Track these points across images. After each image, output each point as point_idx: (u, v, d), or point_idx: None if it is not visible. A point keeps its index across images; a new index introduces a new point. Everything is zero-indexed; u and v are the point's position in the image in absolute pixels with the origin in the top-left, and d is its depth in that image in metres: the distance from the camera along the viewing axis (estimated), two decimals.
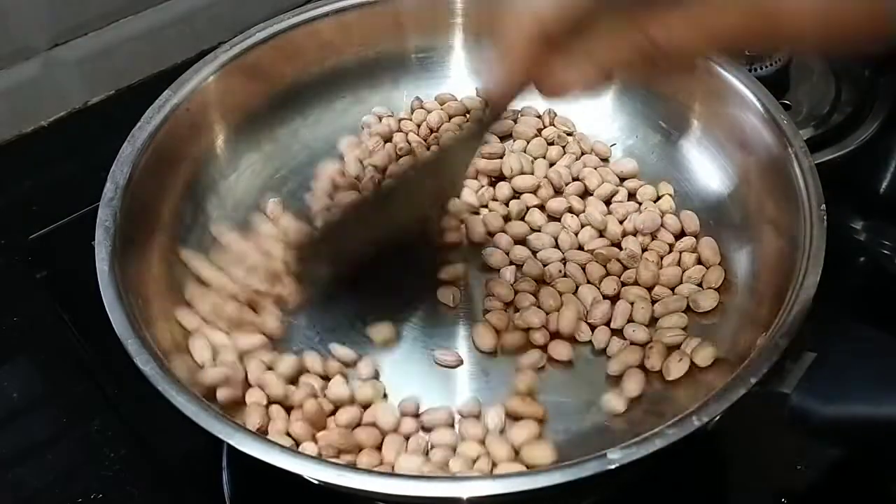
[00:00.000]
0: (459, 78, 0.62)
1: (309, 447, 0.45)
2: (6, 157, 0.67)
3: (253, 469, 0.49)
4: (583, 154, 0.58)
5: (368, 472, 0.42)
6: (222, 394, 0.46)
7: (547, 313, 0.50)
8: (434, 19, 0.61)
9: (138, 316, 0.45)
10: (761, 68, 0.61)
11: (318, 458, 0.43)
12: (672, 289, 0.52)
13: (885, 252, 0.58)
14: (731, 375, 0.42)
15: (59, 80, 0.68)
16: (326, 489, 0.40)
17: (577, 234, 0.54)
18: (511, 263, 0.53)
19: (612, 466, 0.38)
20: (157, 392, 0.42)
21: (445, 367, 0.50)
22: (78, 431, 0.52)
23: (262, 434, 0.44)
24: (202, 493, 0.50)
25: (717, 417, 0.40)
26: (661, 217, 0.54)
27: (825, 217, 0.47)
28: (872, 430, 0.42)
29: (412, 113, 0.60)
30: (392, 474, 0.43)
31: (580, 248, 0.54)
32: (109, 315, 0.44)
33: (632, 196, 0.56)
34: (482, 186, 0.57)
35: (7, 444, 0.52)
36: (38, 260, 0.60)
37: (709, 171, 0.56)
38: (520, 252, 0.54)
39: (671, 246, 0.54)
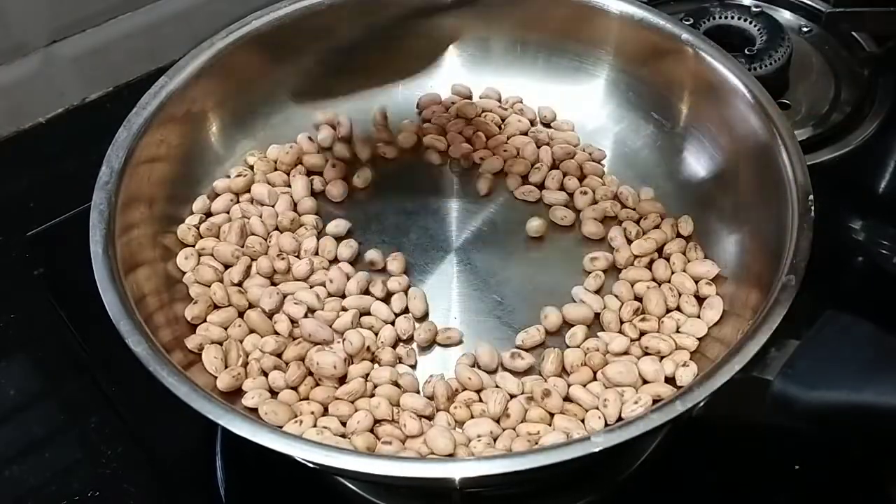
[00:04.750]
0: (451, 72, 0.62)
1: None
2: (4, 154, 0.67)
3: (248, 466, 0.49)
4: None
5: (360, 453, 0.42)
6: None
7: None
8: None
9: (131, 298, 0.45)
10: (761, 67, 0.61)
11: (309, 441, 0.42)
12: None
13: (884, 252, 0.58)
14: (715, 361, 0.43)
15: (57, 76, 0.68)
16: (319, 473, 0.40)
17: None
18: None
19: (596, 449, 0.39)
20: (154, 389, 0.41)
21: None
22: (75, 429, 0.52)
23: None
24: (198, 490, 0.50)
25: (701, 403, 0.41)
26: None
27: (812, 206, 0.47)
28: (853, 416, 0.42)
29: None
30: (385, 456, 0.43)
31: None
32: (102, 296, 0.44)
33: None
34: None
35: (4, 442, 0.52)
36: (36, 257, 0.60)
37: (698, 159, 0.56)
38: None
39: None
